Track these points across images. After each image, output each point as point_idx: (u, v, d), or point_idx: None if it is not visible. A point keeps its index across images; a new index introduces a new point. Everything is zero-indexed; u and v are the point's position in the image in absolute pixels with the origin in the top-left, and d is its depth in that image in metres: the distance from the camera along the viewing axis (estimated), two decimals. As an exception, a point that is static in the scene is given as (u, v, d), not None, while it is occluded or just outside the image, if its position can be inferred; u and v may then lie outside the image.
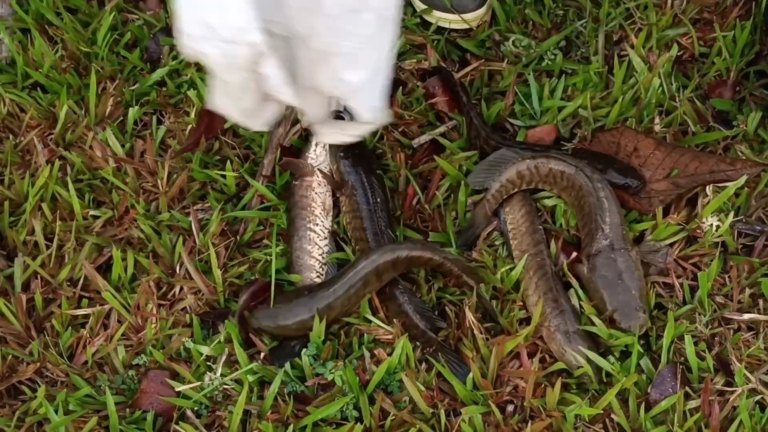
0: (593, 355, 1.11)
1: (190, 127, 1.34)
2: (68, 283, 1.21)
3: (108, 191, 1.29)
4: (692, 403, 1.08)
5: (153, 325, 1.16)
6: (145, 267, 1.21)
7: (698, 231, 1.22)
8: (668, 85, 1.35)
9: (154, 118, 1.35)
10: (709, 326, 1.15)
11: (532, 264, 1.18)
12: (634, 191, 1.24)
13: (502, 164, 1.24)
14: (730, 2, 1.43)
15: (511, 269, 1.18)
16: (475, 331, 1.13)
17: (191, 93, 1.35)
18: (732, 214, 1.21)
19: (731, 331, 1.15)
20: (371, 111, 0.96)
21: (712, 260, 1.19)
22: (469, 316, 1.14)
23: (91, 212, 1.27)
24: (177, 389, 1.11)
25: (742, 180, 1.21)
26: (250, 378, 1.10)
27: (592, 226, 1.18)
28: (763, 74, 1.38)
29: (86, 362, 1.16)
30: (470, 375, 1.10)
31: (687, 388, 1.10)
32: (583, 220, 1.21)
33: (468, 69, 1.40)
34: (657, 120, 1.33)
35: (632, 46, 1.39)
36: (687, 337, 1.12)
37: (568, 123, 1.34)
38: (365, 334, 1.16)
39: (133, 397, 1.13)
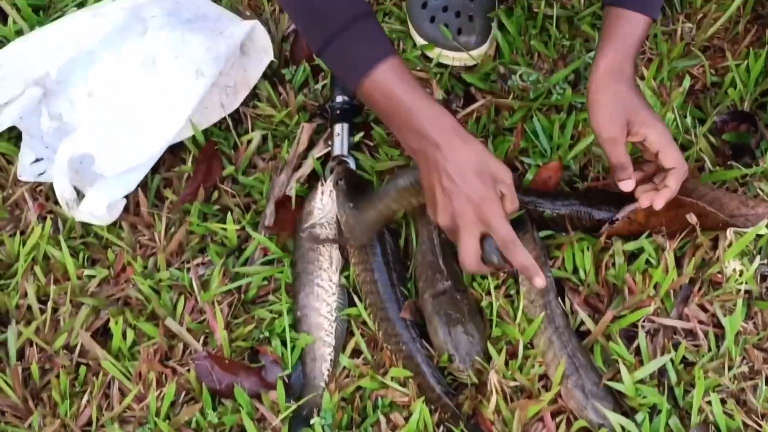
0: (614, 416, 1.07)
1: (186, 175, 1.29)
2: (65, 351, 1.16)
3: (103, 248, 1.23)
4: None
5: (156, 395, 1.11)
6: (145, 332, 1.15)
7: (719, 276, 1.18)
8: (682, 119, 1.30)
9: (149, 166, 1.29)
10: (736, 380, 1.11)
11: (543, 317, 1.13)
12: None
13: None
14: (741, 28, 1.39)
15: (528, 323, 1.13)
16: (498, 397, 1.08)
17: (186, 139, 1.29)
18: (758, 258, 1.16)
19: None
20: None
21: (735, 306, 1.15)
22: (492, 379, 1.09)
23: (86, 272, 1.21)
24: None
25: (763, 225, 1.16)
26: (262, 451, 1.06)
27: None
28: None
29: (88, 435, 1.11)
30: (492, 441, 1.06)
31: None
32: None
33: (475, 106, 1.34)
34: (672, 157, 1.28)
35: (642, 78, 1.34)
36: (713, 396, 1.07)
37: (580, 160, 1.29)
38: (380, 398, 1.11)
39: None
